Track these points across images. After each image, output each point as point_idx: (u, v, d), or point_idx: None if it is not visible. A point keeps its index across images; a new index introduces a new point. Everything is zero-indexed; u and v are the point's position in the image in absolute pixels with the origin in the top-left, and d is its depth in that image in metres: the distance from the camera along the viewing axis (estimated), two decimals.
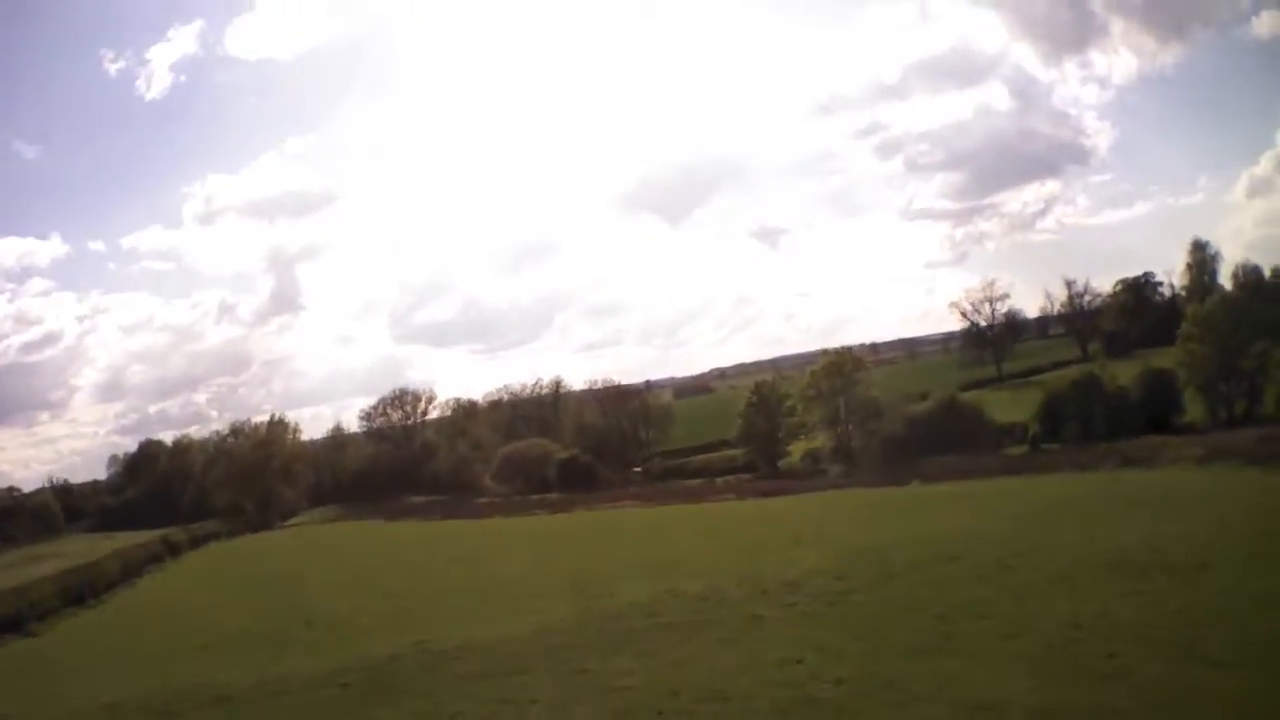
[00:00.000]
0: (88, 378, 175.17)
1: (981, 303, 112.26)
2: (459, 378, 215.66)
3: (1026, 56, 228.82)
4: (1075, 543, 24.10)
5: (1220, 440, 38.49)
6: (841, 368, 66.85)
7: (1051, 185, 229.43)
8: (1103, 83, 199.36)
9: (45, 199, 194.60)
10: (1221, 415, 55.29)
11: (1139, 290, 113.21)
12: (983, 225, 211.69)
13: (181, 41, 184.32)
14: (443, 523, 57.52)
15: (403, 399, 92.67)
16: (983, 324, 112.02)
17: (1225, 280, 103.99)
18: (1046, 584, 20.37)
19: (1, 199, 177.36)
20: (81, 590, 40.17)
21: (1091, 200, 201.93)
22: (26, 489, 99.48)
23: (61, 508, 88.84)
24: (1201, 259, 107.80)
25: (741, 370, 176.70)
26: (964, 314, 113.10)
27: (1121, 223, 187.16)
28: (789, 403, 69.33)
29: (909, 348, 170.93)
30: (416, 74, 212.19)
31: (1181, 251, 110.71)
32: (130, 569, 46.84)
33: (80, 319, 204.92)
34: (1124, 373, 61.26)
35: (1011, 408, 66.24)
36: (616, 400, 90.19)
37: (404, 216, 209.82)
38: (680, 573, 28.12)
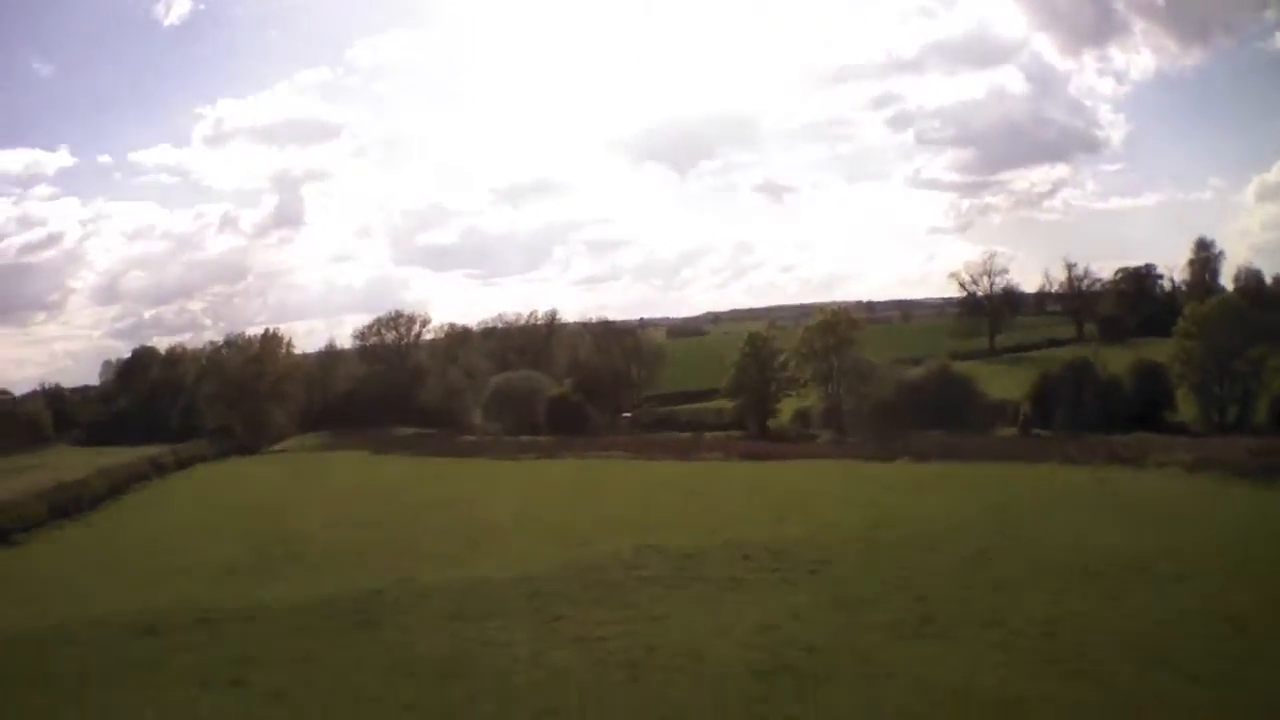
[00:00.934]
0: (85, 280, 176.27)
1: (981, 275, 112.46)
2: (454, 304, 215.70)
3: (1045, 46, 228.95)
4: (1059, 540, 24.25)
5: (1211, 448, 38.51)
6: (836, 327, 66.47)
7: (1061, 169, 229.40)
8: (1120, 77, 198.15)
9: (55, 113, 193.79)
10: (1214, 418, 55.38)
11: (1140, 280, 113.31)
12: (989, 199, 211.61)
13: None
14: (430, 460, 57.66)
15: (397, 320, 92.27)
16: (980, 295, 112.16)
17: (1227, 280, 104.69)
18: (1027, 578, 20.54)
19: (13, 112, 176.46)
20: (67, 506, 40.17)
21: (1100, 186, 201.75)
22: (19, 392, 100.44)
23: (52, 416, 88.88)
24: (1205, 257, 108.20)
25: (736, 316, 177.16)
26: (962, 285, 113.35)
27: (1129, 211, 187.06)
28: (782, 357, 69.19)
29: (904, 309, 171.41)
30: (432, 12, 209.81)
31: (1186, 247, 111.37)
32: (117, 488, 46.95)
33: (83, 223, 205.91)
34: (1117, 359, 61.22)
35: (1003, 382, 66.58)
36: (610, 337, 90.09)
37: (411, 148, 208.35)
38: (665, 530, 28.37)
